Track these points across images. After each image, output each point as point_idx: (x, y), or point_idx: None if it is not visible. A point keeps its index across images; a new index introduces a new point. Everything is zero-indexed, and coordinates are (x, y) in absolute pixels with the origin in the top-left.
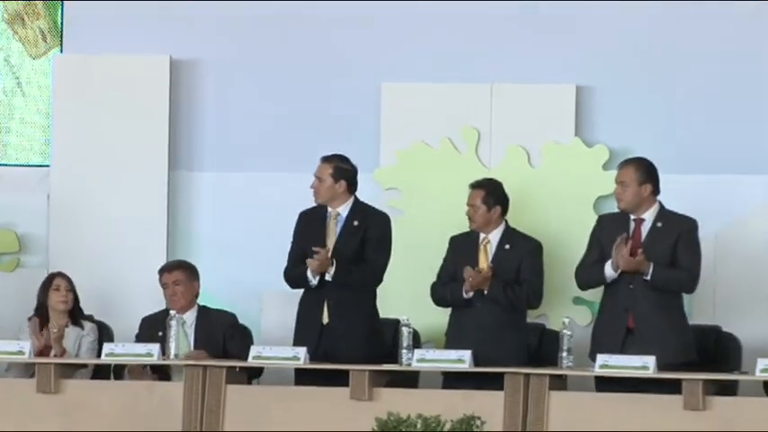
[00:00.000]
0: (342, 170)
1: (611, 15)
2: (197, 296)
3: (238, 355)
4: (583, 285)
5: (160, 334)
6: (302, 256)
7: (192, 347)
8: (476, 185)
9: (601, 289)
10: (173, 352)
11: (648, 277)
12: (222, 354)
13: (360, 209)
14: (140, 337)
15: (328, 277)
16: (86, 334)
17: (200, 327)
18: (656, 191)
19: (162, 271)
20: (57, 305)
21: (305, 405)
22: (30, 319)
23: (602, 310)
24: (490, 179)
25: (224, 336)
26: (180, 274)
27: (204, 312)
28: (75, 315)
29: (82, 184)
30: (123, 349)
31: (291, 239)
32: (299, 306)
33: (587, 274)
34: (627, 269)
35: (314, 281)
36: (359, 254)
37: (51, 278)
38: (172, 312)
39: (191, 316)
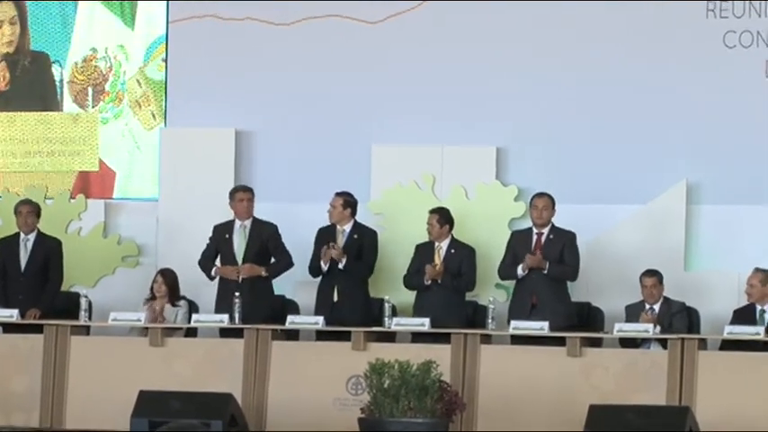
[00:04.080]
0: (348, 201)
1: (522, 95)
2: None
3: (275, 253)
4: (503, 278)
5: (227, 236)
6: (319, 257)
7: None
8: (433, 211)
9: None
10: (240, 251)
11: (546, 271)
12: (267, 255)
13: (358, 227)
14: (212, 239)
15: (340, 266)
16: (181, 307)
17: (253, 230)
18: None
19: (235, 191)
20: (158, 293)
21: (323, 353)
22: (144, 302)
23: (515, 293)
24: (442, 207)
25: (268, 239)
26: (249, 195)
27: (256, 222)
28: (171, 297)
29: (178, 212)
30: (205, 318)
31: (314, 245)
32: (317, 289)
33: (506, 272)
34: (532, 265)
35: (325, 267)
36: (359, 255)
37: (155, 276)
38: (232, 224)
39: (248, 223)
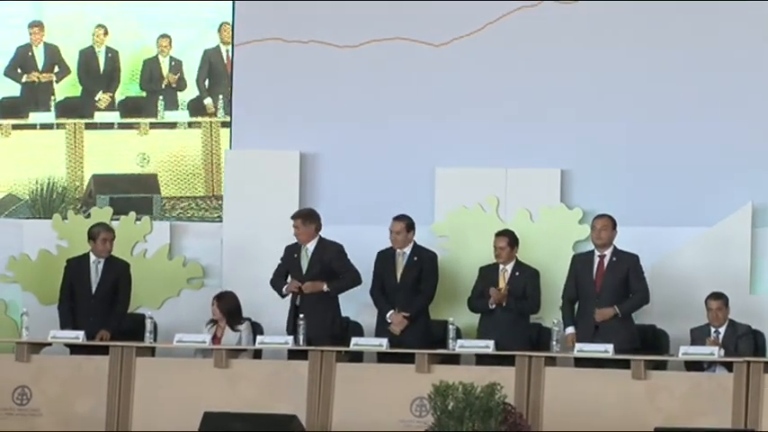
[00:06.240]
0: (410, 224)
1: (586, 117)
2: (317, 231)
3: (341, 270)
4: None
5: (295, 256)
6: (381, 280)
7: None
8: (501, 234)
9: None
10: (304, 268)
11: (620, 314)
12: (331, 274)
13: (417, 249)
14: (283, 259)
15: (399, 329)
16: (243, 330)
17: (316, 251)
18: (615, 236)
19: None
20: (215, 317)
21: (387, 375)
22: (206, 324)
23: (579, 315)
24: (510, 230)
25: (331, 259)
26: (300, 222)
27: (321, 242)
28: (230, 321)
29: (243, 233)
30: (269, 339)
31: (373, 269)
32: (377, 312)
33: (564, 310)
34: (605, 318)
35: (389, 320)
36: (418, 279)
37: (213, 301)
38: (300, 245)
39: (311, 246)
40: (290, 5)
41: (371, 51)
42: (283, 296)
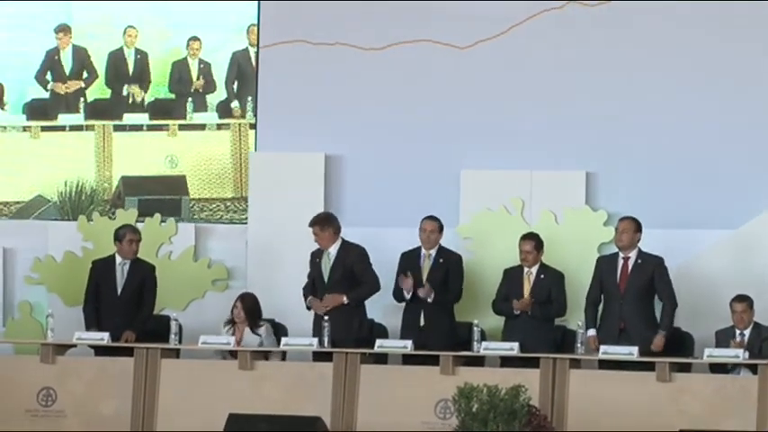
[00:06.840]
0: (441, 225)
1: (611, 119)
2: (337, 234)
3: (361, 275)
4: (589, 305)
5: (317, 261)
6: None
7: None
8: (528, 237)
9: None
10: (326, 276)
11: (667, 334)
12: (353, 278)
13: (443, 251)
14: (311, 264)
15: (429, 300)
16: (263, 332)
17: (339, 255)
18: (640, 239)
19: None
20: (237, 318)
21: (411, 377)
22: (224, 324)
23: (603, 317)
24: (535, 233)
25: (353, 262)
26: (318, 229)
27: (344, 245)
28: (251, 323)
29: (268, 235)
30: (293, 341)
31: (397, 270)
32: (403, 314)
33: (587, 312)
34: (661, 346)
35: (408, 296)
36: (444, 280)
37: (235, 302)
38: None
39: (333, 249)
40: (316, 7)
41: (397, 54)
42: (309, 309)
